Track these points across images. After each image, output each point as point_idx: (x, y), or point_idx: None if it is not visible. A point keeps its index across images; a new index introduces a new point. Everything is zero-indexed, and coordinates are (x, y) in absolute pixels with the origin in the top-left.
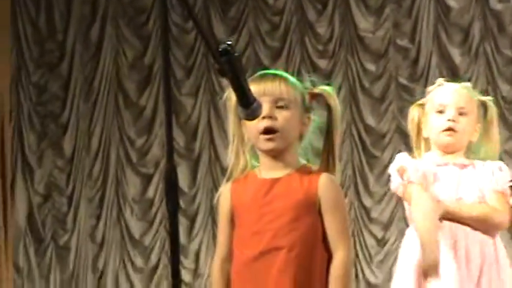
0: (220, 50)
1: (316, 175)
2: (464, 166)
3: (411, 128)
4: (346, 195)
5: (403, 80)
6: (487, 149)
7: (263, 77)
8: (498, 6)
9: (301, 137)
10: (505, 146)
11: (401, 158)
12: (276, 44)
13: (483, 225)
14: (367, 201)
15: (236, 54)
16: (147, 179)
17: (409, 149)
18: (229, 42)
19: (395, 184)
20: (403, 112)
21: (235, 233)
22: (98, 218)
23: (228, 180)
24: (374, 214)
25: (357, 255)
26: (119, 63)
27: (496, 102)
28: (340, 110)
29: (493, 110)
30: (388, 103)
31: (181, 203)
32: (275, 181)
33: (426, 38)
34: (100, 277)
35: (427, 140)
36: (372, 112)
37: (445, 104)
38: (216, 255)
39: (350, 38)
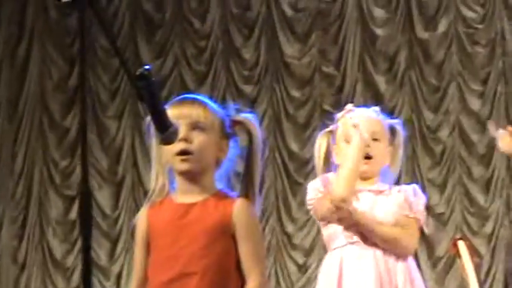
0: (137, 74)
1: (231, 200)
2: (379, 192)
3: (318, 156)
4: (268, 221)
5: (327, 107)
6: (390, 172)
7: (182, 100)
8: (424, 35)
9: (218, 162)
10: (429, 174)
11: (326, 175)
12: (201, 68)
13: (391, 245)
14: (290, 227)
15: (153, 79)
16: (69, 201)
17: None
18: (147, 67)
19: (314, 192)
20: None
21: (150, 258)
22: (21, 239)
23: (147, 204)
24: (296, 240)
25: (278, 282)
26: (44, 84)
27: (420, 131)
28: (261, 138)
29: (400, 134)
30: (312, 129)
31: (104, 226)
32: (191, 206)
33: (352, 65)
34: None
35: (336, 167)
36: (295, 138)
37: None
38: (132, 279)
39: (276, 64)
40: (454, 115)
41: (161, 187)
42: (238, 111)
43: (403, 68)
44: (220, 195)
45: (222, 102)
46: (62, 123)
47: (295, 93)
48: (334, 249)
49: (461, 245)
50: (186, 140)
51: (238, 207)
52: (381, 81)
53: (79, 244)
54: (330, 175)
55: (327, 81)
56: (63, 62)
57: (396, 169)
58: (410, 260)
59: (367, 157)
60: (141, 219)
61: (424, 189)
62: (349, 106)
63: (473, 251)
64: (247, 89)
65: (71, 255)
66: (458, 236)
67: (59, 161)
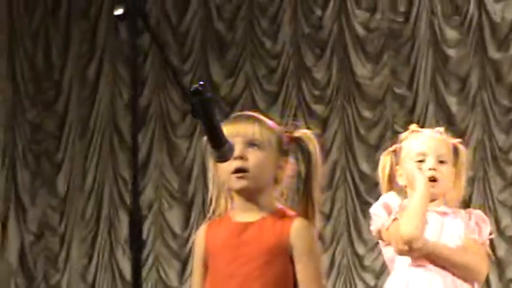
0: (191, 90)
1: (289, 220)
2: (445, 214)
3: (382, 176)
4: (339, 243)
5: (399, 128)
6: (453, 194)
7: (237, 118)
8: (496, 56)
9: (277, 180)
10: (500, 196)
11: (388, 196)
12: (272, 88)
13: (464, 272)
14: (360, 249)
15: (208, 95)
16: None
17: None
18: (201, 83)
19: (380, 221)
20: None
21: (208, 276)
22: (90, 258)
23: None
24: (367, 262)
25: None
26: (115, 103)
27: (492, 152)
28: (319, 154)
29: (464, 155)
30: (383, 150)
31: (174, 246)
32: (248, 225)
33: (424, 86)
34: None
35: (401, 188)
36: (367, 159)
37: (424, 152)
38: None
39: (347, 84)
40: None
41: (218, 206)
42: (297, 127)
43: (475, 89)
44: (279, 214)
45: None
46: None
47: (367, 114)
48: (398, 269)
49: None
50: (241, 157)
51: (296, 227)
52: (452, 102)
53: (149, 264)
54: (390, 199)
55: (398, 102)
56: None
57: (460, 191)
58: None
59: (433, 180)
60: (199, 237)
61: (495, 211)
62: (413, 127)
63: None
64: (319, 109)
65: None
66: None
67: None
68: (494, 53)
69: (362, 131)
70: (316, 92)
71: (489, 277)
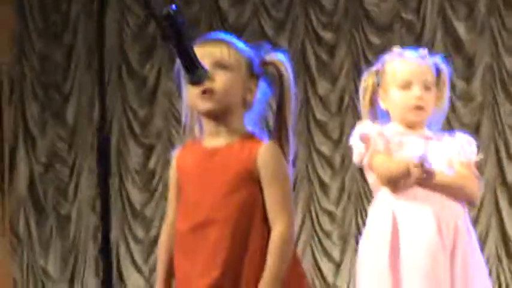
0: (162, 14)
1: (258, 144)
2: (429, 138)
3: (364, 97)
4: (348, 169)
5: None
6: (436, 115)
7: (206, 40)
8: None
9: (246, 103)
10: (509, 120)
11: (364, 126)
12: (280, 15)
13: (456, 194)
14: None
15: (180, 19)
16: (149, 150)
17: None
18: (173, 7)
19: (359, 153)
20: None
21: (180, 205)
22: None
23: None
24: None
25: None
26: (122, 33)
27: (500, 77)
28: (292, 79)
29: (446, 74)
30: None
31: None
32: (216, 150)
33: (431, 12)
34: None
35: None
36: None
37: (410, 80)
38: (164, 224)
39: (355, 11)
40: None
41: (190, 130)
42: (270, 51)
43: (483, 15)
44: (248, 138)
45: (301, 50)
46: (140, 71)
47: (375, 40)
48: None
49: None
50: (208, 78)
51: (263, 150)
52: (461, 27)
53: (158, 193)
54: (367, 129)
55: (406, 28)
56: (141, 11)
57: (443, 110)
58: (466, 213)
59: (419, 108)
60: (172, 165)
61: (505, 136)
62: (397, 49)
63: None
64: (326, 35)
65: (150, 204)
66: None
67: (138, 110)
68: None
69: (370, 57)
70: (324, 19)
71: (499, 201)
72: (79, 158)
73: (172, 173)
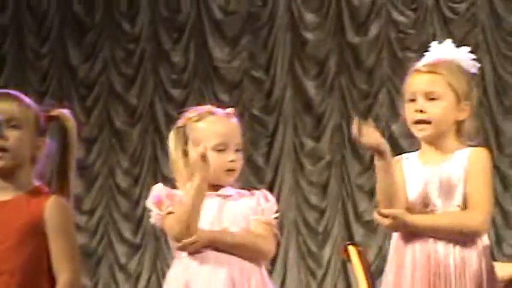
0: None
1: (45, 197)
2: (227, 196)
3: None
4: None
5: (256, 112)
6: None
7: None
8: (355, 39)
9: (34, 159)
10: (357, 180)
11: (157, 189)
12: (130, 71)
13: (250, 253)
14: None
15: None
16: None
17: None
18: None
19: (154, 217)
20: (254, 144)
21: None
22: None
23: None
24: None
25: None
26: None
27: (349, 137)
28: (76, 133)
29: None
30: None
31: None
32: (4, 203)
33: (281, 70)
34: None
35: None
36: None
37: (225, 142)
38: None
39: (205, 68)
40: (384, 121)
41: None
42: (54, 106)
43: (333, 73)
44: (35, 192)
45: (150, 106)
46: None
47: (224, 98)
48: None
49: (352, 250)
50: (2, 137)
51: (49, 204)
52: (310, 86)
53: None
54: (159, 191)
55: (256, 86)
56: None
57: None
58: (263, 268)
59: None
60: None
61: (353, 196)
62: (209, 108)
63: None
64: (176, 93)
65: None
66: (348, 242)
67: None
68: (352, 37)
69: None
70: (174, 76)
71: (345, 261)
72: None
73: None
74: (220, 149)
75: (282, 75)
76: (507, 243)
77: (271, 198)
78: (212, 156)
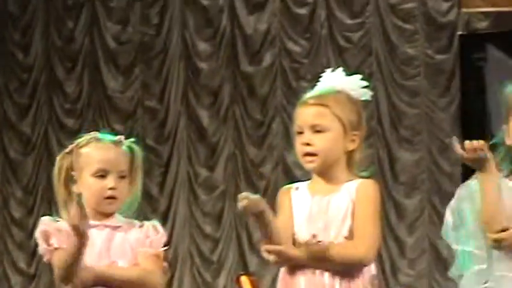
0: None
1: None
2: (116, 227)
3: (57, 179)
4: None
5: (150, 142)
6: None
7: None
8: (248, 69)
9: None
10: None
11: (44, 222)
12: (24, 101)
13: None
14: None
15: None
16: None
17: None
18: None
19: (41, 250)
20: (148, 173)
21: None
22: None
23: None
24: None
25: None
26: None
27: (243, 166)
28: None
29: (139, 157)
30: None
31: None
32: None
33: (175, 99)
34: None
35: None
36: None
37: (105, 168)
38: None
39: (98, 98)
40: (278, 150)
41: None
42: None
43: (227, 102)
44: None
45: (44, 135)
46: None
47: (118, 127)
48: None
49: (245, 280)
50: None
51: None
52: (204, 115)
53: None
54: (47, 225)
55: (149, 115)
56: None
57: (136, 195)
58: None
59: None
60: None
61: (247, 226)
62: (94, 134)
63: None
64: (70, 122)
65: None
66: (242, 272)
67: None
68: (246, 66)
69: None
70: (67, 105)
71: None
72: None
73: None
74: (100, 175)
75: (175, 105)
76: (402, 273)
77: (161, 230)
78: (92, 182)
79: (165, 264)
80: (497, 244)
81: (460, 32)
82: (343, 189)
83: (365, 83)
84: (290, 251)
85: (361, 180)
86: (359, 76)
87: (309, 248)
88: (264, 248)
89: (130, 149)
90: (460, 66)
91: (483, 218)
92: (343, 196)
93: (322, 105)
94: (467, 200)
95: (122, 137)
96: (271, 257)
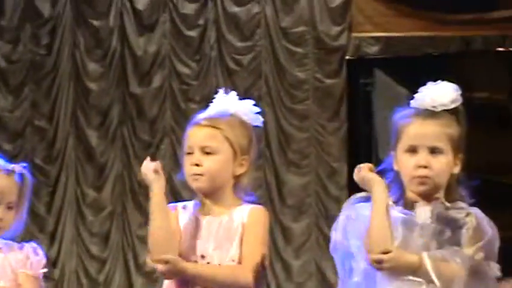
0: None
1: None
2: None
3: None
4: None
5: (38, 161)
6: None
7: None
8: (137, 90)
9: None
10: (138, 231)
11: None
12: None
13: None
14: None
15: None
16: None
17: None
18: None
19: None
20: (36, 193)
21: None
22: None
23: None
24: None
25: None
26: None
27: (131, 188)
28: None
29: (28, 184)
30: None
31: None
32: None
33: (64, 119)
34: None
35: None
36: None
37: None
38: None
39: None
40: (165, 172)
41: None
42: None
43: (116, 123)
44: None
45: None
46: None
47: (7, 147)
48: None
49: None
50: None
51: None
52: (93, 135)
53: None
54: None
55: (39, 135)
56: None
57: (22, 220)
58: None
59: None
60: None
61: (134, 247)
62: None
63: None
64: None
65: None
66: None
67: None
68: (135, 88)
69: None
70: None
71: None
72: None
73: None
74: None
75: (65, 125)
76: None
77: (40, 252)
78: None
79: (43, 286)
80: (378, 265)
81: (348, 57)
82: (236, 212)
83: (256, 109)
84: (179, 262)
85: (251, 206)
86: (251, 101)
87: (197, 266)
88: (152, 257)
89: (22, 178)
90: (348, 90)
91: (367, 239)
92: (235, 219)
93: (214, 127)
94: (353, 220)
95: (14, 167)
96: (159, 267)
